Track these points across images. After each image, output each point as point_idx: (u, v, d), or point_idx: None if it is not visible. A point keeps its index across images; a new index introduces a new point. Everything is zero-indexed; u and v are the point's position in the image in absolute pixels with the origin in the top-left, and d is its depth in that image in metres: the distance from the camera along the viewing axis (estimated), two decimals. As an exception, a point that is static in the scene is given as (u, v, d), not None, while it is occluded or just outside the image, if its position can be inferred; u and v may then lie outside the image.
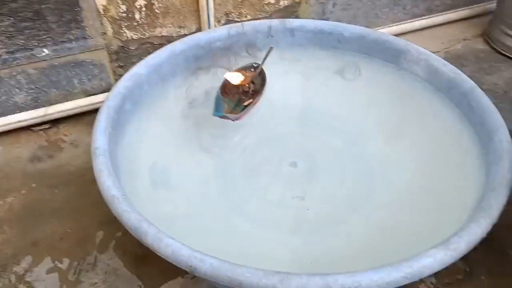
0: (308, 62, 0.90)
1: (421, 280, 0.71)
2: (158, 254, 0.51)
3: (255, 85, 0.77)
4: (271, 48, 0.82)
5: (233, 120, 0.72)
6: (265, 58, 0.79)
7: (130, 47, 0.96)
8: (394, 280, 0.47)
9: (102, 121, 0.67)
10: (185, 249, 0.50)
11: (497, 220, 0.54)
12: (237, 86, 0.76)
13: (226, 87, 0.76)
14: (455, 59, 1.16)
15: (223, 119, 0.73)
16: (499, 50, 1.19)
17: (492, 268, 0.73)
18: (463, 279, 0.71)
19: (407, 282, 0.48)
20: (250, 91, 0.76)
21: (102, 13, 0.88)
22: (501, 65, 1.15)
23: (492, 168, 0.62)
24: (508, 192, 0.57)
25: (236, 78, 0.76)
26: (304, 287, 0.46)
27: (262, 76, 0.78)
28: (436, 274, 0.72)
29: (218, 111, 0.74)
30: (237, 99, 0.76)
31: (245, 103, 0.75)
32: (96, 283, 0.71)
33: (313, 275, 0.47)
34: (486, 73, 1.12)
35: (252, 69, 0.79)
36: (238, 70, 0.78)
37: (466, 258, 0.73)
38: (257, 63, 0.79)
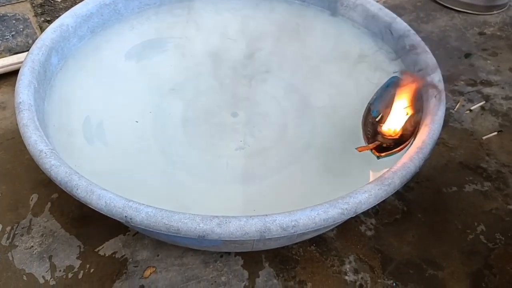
0: (246, 11, 0.88)
1: (362, 222, 0.73)
2: (91, 207, 0.49)
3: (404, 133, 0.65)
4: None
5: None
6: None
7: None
8: (331, 217, 0.48)
9: (25, 75, 0.63)
10: (119, 199, 0.48)
11: (429, 155, 0.56)
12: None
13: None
14: (394, 9, 1.16)
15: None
16: (435, -1, 1.21)
17: (427, 207, 0.76)
18: (401, 218, 0.74)
19: (344, 218, 0.49)
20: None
21: (21, -40, 0.82)
22: (437, 14, 1.17)
23: (425, 105, 0.63)
24: (440, 127, 0.58)
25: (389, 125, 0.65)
26: (243, 228, 0.46)
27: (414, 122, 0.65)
28: (376, 215, 0.74)
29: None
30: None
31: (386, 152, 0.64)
32: (32, 246, 0.68)
33: (251, 216, 0.46)
34: (423, 22, 1.14)
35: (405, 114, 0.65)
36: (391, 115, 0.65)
37: (403, 199, 0.76)
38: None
